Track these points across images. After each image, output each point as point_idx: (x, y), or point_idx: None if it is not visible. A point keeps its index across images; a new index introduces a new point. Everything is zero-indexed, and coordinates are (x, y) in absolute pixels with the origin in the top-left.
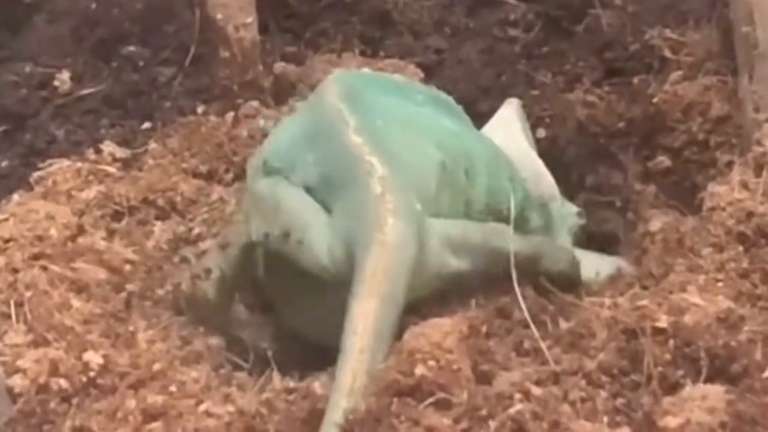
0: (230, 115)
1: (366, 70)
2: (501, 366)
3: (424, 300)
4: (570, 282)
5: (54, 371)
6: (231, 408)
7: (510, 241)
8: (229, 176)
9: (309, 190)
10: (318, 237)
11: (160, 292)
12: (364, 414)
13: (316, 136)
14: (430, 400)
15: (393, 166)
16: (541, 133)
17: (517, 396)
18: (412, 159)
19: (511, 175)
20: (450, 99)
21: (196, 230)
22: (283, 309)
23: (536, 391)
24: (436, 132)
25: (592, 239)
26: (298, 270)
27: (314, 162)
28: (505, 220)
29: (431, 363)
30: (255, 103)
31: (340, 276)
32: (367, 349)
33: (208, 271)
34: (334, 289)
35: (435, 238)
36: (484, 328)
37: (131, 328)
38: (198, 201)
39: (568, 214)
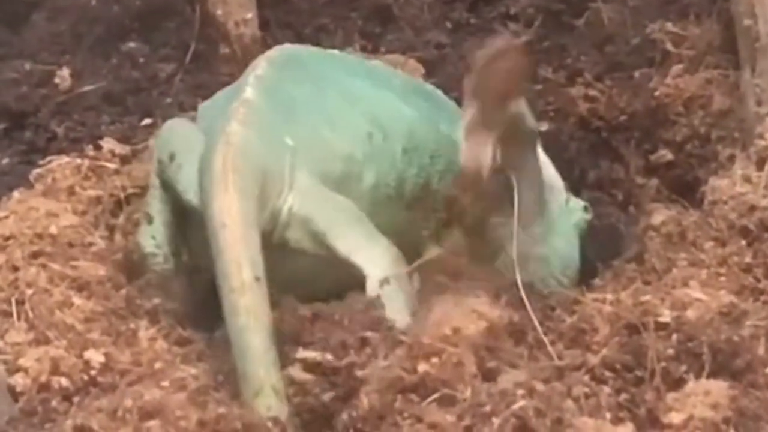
0: None
1: (335, 51)
2: (505, 363)
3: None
4: None
5: (55, 370)
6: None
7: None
8: None
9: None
10: (194, 162)
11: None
12: (367, 411)
13: (230, 98)
14: (434, 396)
15: (279, 106)
16: (544, 126)
17: (520, 392)
18: (327, 121)
19: None
20: (438, 91)
21: None
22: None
23: (540, 387)
24: (377, 108)
25: (594, 233)
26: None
27: (217, 111)
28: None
29: (434, 360)
30: None
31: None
32: (243, 240)
33: (138, 222)
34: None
35: (297, 184)
36: (487, 325)
37: (132, 325)
38: None
39: (574, 208)
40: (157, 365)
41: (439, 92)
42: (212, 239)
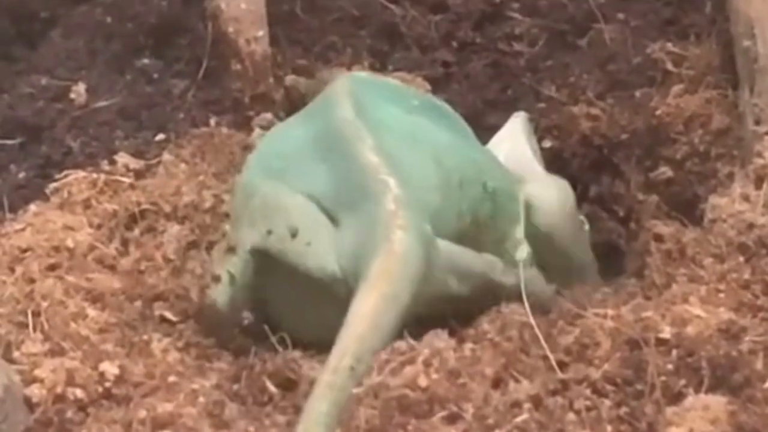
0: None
1: (363, 74)
2: (510, 376)
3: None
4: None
5: (70, 381)
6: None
7: (499, 272)
8: None
9: (313, 199)
10: (327, 243)
11: (173, 300)
12: (368, 427)
13: (329, 149)
14: (438, 411)
15: (404, 185)
16: (547, 143)
17: (526, 405)
18: (417, 177)
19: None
20: (444, 103)
21: (208, 239)
22: (280, 314)
23: (543, 400)
24: (433, 146)
25: (595, 248)
26: (297, 273)
27: (325, 174)
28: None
29: (436, 375)
30: (269, 115)
31: (346, 285)
32: (360, 337)
33: (217, 278)
34: (336, 296)
35: (442, 259)
36: (492, 339)
37: (145, 337)
38: (210, 210)
39: None
40: (171, 378)
41: (447, 107)
42: (342, 328)
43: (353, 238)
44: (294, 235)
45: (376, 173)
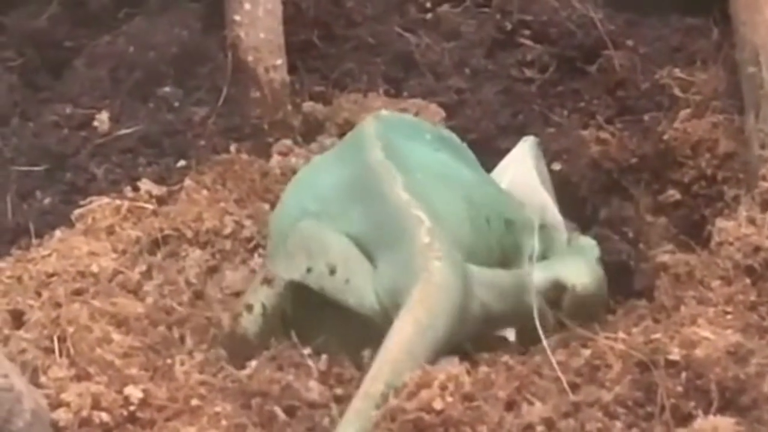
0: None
1: (385, 112)
2: (523, 399)
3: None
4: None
5: (96, 405)
6: None
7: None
8: (262, 212)
9: (351, 239)
10: (365, 278)
11: (196, 325)
12: None
13: (362, 189)
14: None
15: (436, 220)
16: (557, 166)
17: (539, 428)
18: (449, 214)
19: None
20: (453, 135)
21: (229, 265)
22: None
23: (556, 422)
24: (461, 183)
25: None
26: (336, 308)
27: (360, 214)
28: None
29: (451, 399)
30: (288, 142)
31: (387, 319)
32: (393, 363)
33: (250, 308)
34: (376, 330)
35: (477, 284)
36: (506, 362)
37: (169, 361)
38: (231, 236)
39: (585, 247)
40: (194, 402)
41: (454, 137)
42: (378, 354)
43: (391, 274)
44: (333, 272)
45: (408, 209)
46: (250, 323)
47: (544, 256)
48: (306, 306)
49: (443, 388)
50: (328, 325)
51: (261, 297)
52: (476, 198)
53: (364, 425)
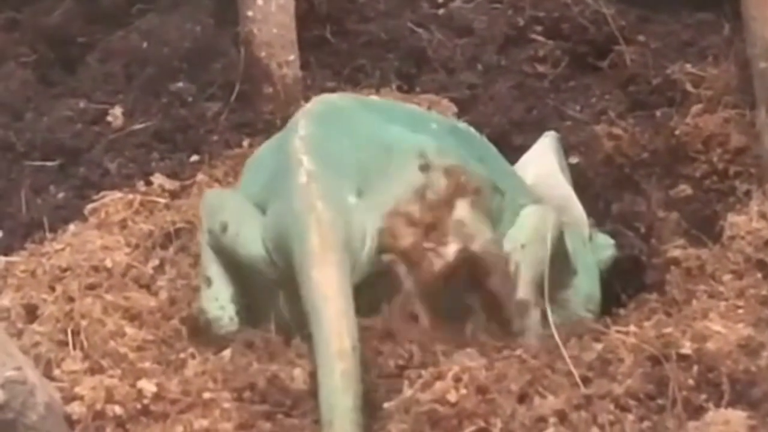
0: None
1: (372, 97)
2: (535, 392)
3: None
4: None
5: (110, 398)
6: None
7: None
8: None
9: (252, 199)
10: (253, 229)
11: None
12: None
13: (276, 151)
14: (467, 425)
15: (333, 166)
16: (574, 159)
17: (551, 420)
18: (377, 172)
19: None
20: (470, 128)
21: None
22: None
23: (568, 414)
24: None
25: (617, 263)
26: (237, 263)
27: (264, 173)
28: None
29: (465, 391)
30: None
31: (274, 265)
32: (344, 312)
33: (197, 288)
34: (268, 278)
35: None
36: (520, 356)
37: (182, 355)
38: None
39: (602, 244)
40: (206, 395)
41: (472, 130)
42: (312, 310)
43: (275, 219)
44: (224, 229)
45: (295, 155)
46: (203, 300)
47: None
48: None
49: (457, 380)
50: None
51: (201, 272)
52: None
53: (355, 388)
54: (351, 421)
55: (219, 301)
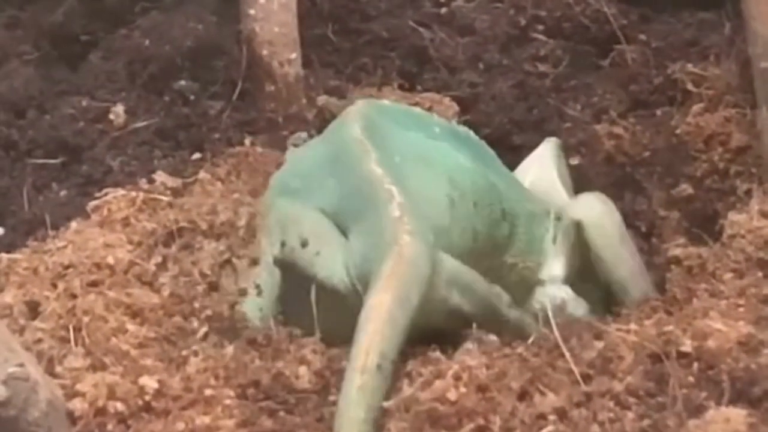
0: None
1: (385, 101)
2: (536, 390)
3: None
4: None
5: (111, 395)
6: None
7: (505, 306)
8: None
9: (326, 214)
10: (335, 251)
11: (210, 314)
12: None
13: (337, 164)
14: (467, 423)
15: (409, 198)
16: (575, 160)
17: (551, 417)
18: (426, 194)
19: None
20: (469, 132)
21: (243, 256)
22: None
23: (568, 412)
24: (448, 167)
25: None
26: (310, 282)
27: (334, 188)
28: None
29: (465, 389)
30: (304, 134)
31: (356, 293)
32: (381, 334)
33: (244, 291)
34: (346, 303)
35: (445, 272)
36: (521, 354)
37: (184, 352)
38: (245, 227)
39: None
40: (208, 391)
41: (472, 134)
42: (357, 329)
43: (361, 247)
44: (304, 245)
45: (380, 183)
46: (247, 307)
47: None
48: (291, 289)
49: (457, 378)
50: (309, 308)
51: (252, 278)
52: (463, 183)
53: (370, 403)
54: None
55: (263, 312)
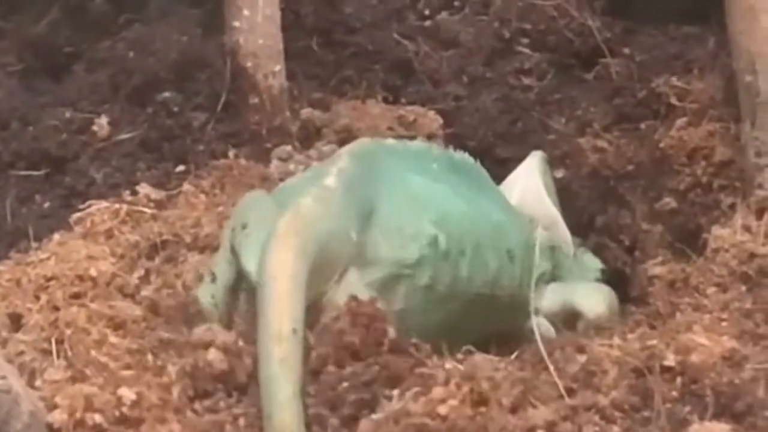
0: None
1: (390, 140)
2: (528, 403)
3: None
4: None
5: (89, 406)
6: None
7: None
8: None
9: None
10: (262, 233)
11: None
12: None
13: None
14: None
15: (354, 207)
16: (559, 172)
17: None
18: (397, 220)
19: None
20: (467, 158)
21: None
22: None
23: (555, 426)
24: (441, 211)
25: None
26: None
27: (294, 185)
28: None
29: (453, 402)
30: (288, 148)
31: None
32: (289, 294)
33: (200, 278)
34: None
35: (351, 278)
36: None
37: (159, 363)
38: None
39: (588, 267)
40: (183, 401)
41: (469, 160)
42: (259, 290)
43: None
44: (244, 227)
45: (329, 172)
46: (200, 292)
47: (553, 275)
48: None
49: (448, 392)
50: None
51: (209, 266)
52: (453, 228)
53: (294, 376)
54: (291, 414)
55: (214, 298)
